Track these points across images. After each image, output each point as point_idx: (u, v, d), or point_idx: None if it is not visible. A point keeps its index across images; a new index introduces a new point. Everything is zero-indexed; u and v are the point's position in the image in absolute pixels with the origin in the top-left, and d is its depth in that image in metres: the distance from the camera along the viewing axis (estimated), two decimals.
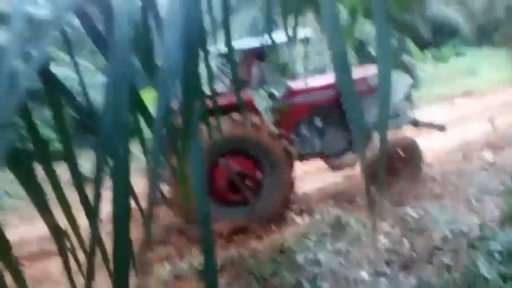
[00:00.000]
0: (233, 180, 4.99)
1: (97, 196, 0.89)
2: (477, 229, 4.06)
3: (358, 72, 5.91)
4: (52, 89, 1.25)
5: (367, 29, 11.70)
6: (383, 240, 4.35)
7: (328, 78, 6.01)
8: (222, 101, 4.76)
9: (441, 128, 5.82)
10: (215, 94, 1.53)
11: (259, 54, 5.66)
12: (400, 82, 6.00)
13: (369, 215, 4.80)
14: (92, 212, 1.00)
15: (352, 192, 5.54)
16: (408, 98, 5.97)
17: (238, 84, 5.13)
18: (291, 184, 5.17)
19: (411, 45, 15.18)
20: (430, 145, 6.15)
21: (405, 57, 13.05)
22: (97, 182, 0.89)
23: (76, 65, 1.39)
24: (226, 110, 4.55)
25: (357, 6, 3.88)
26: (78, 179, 1.27)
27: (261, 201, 5.08)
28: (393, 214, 4.83)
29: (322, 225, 4.54)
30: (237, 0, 11.79)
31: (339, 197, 5.45)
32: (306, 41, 5.49)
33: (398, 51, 5.74)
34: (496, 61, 12.09)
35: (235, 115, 4.78)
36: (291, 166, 5.16)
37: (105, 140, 0.83)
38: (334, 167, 6.55)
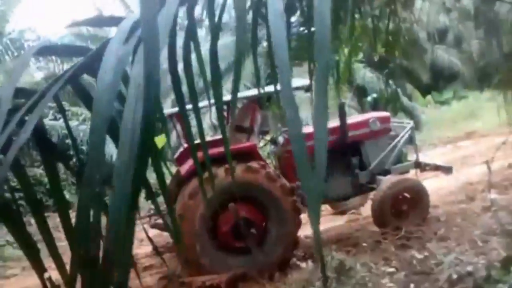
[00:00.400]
0: (239, 227, 4.89)
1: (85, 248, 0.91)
2: (484, 270, 3.99)
3: (359, 117, 6.04)
4: (45, 149, 1.32)
5: (367, 76, 12.03)
6: (388, 284, 4.28)
7: (331, 123, 6.12)
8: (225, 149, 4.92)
9: (448, 170, 5.79)
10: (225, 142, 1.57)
11: (260, 102, 5.79)
12: (403, 126, 6.10)
13: (373, 259, 4.78)
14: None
15: (355, 235, 5.49)
16: (412, 141, 6.01)
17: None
18: (295, 238, 5.08)
19: (413, 90, 15.50)
20: (433, 186, 6.16)
21: (408, 102, 13.31)
22: (82, 233, 0.90)
23: (69, 129, 1.49)
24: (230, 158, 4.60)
25: (354, 54, 4.06)
26: (70, 231, 1.28)
27: (265, 251, 4.95)
28: (398, 257, 4.77)
29: (326, 270, 4.48)
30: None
31: (343, 241, 5.40)
32: (308, 89, 5.61)
33: (396, 95, 5.82)
34: (496, 103, 12.25)
35: (253, 163, 4.81)
36: (298, 221, 5.04)
37: (84, 185, 0.87)
38: (339, 211, 6.55)
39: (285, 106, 0.71)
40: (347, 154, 5.73)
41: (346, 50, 3.38)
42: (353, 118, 6.02)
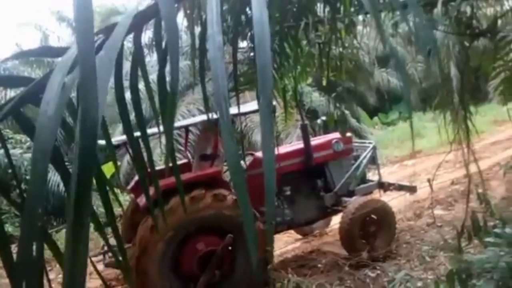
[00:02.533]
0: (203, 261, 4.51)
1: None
2: (432, 285, 4.14)
3: (321, 138, 6.01)
4: None
5: (317, 99, 12.39)
6: None
7: (295, 145, 6.08)
8: (187, 176, 4.76)
9: (412, 189, 5.70)
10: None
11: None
12: (364, 146, 6.08)
13: (329, 279, 4.83)
14: None
15: (311, 257, 5.54)
16: (374, 161, 5.97)
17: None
18: (265, 262, 4.67)
19: (360, 112, 16.10)
20: None
21: (356, 123, 13.78)
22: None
23: (9, 159, 1.44)
24: (192, 185, 4.39)
25: (302, 79, 4.19)
26: (11, 267, 1.22)
27: (234, 281, 4.64)
28: (352, 276, 4.86)
29: None
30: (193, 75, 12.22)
31: (299, 262, 5.42)
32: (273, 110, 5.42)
33: (344, 117, 5.94)
34: (438, 123, 12.96)
35: (219, 191, 4.47)
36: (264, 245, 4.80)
37: (26, 217, 0.84)
38: (304, 234, 6.48)
39: (224, 134, 0.73)
40: (311, 177, 5.62)
41: (294, 75, 3.48)
42: (315, 139, 5.86)
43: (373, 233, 5.21)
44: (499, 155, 8.98)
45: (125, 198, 9.74)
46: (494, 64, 3.40)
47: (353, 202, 5.28)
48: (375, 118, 17.30)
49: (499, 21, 2.99)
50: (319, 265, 5.24)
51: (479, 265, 2.36)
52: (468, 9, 2.77)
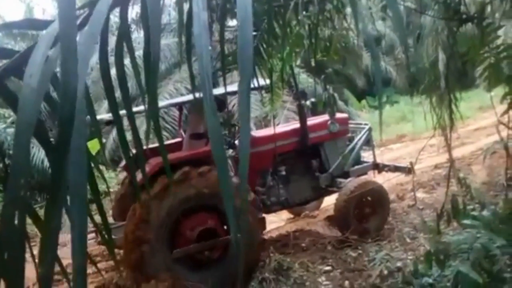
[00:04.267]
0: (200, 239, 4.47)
1: None
2: (411, 265, 4.25)
3: (317, 119, 5.92)
4: None
5: (302, 79, 12.37)
6: (325, 282, 4.44)
7: (291, 125, 6.06)
8: (180, 155, 4.74)
9: (407, 170, 5.69)
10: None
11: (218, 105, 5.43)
12: (360, 127, 6.10)
13: (311, 259, 4.92)
14: None
15: (295, 236, 5.62)
16: (369, 143, 6.01)
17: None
18: (261, 227, 4.76)
19: (349, 94, 16.13)
20: None
21: (344, 106, 13.83)
22: None
23: None
24: (185, 163, 4.39)
25: (290, 60, 4.17)
26: None
27: (231, 257, 4.51)
28: (334, 256, 4.96)
29: (264, 271, 4.54)
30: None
31: (283, 241, 5.50)
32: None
33: (333, 100, 5.92)
34: (425, 108, 13.07)
35: (204, 168, 4.40)
36: (260, 217, 4.71)
37: (9, 189, 0.84)
38: (298, 214, 6.54)
39: (207, 111, 0.74)
40: (307, 157, 5.63)
41: (282, 56, 3.47)
42: (311, 119, 5.82)
43: (367, 214, 5.28)
44: (482, 140, 9.13)
45: (110, 176, 9.72)
46: (481, 51, 3.44)
47: (352, 182, 5.32)
48: (363, 101, 17.36)
49: (487, 8, 3.01)
50: (303, 244, 5.33)
51: (456, 246, 2.43)
52: None
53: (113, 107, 1.32)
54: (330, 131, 5.61)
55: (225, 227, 4.58)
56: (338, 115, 6.22)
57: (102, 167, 9.89)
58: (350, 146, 5.74)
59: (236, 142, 5.45)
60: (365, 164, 5.91)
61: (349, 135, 5.92)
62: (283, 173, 5.42)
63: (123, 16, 1.24)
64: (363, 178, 5.65)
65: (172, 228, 4.45)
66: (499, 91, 3.13)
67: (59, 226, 0.82)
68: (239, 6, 0.67)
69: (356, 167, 5.77)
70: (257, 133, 5.83)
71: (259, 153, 5.16)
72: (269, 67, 3.37)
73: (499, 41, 3.18)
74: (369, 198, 5.28)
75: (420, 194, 6.58)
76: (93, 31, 0.80)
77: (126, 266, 4.41)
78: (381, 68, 16.53)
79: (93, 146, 4.87)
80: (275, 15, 2.86)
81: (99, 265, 5.31)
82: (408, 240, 5.11)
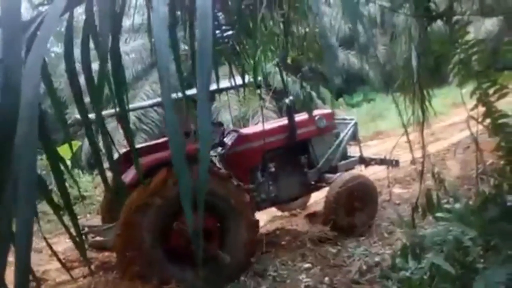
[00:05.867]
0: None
1: None
2: (389, 260, 4.31)
3: (305, 115, 5.85)
4: None
5: (279, 78, 12.38)
6: (305, 279, 4.46)
7: (279, 122, 6.03)
8: (165, 154, 4.64)
9: (394, 163, 5.74)
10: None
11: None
12: (345, 122, 6.12)
13: (291, 256, 4.94)
14: None
15: (275, 235, 5.63)
16: (355, 137, 6.08)
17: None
18: (256, 227, 4.73)
19: (325, 92, 16.25)
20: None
21: (322, 104, 13.93)
22: None
23: None
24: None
25: (266, 59, 4.16)
26: None
27: (227, 252, 4.49)
28: (314, 252, 4.99)
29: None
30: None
31: (262, 240, 5.50)
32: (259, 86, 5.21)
33: (310, 98, 5.97)
34: (400, 105, 13.29)
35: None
36: (255, 220, 4.72)
37: None
38: (285, 210, 6.55)
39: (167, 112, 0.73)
40: (295, 153, 5.65)
41: (257, 54, 3.46)
42: (299, 116, 5.81)
43: (356, 209, 5.32)
44: (456, 136, 9.34)
45: (87, 179, 9.55)
46: (451, 47, 3.50)
47: (341, 176, 5.38)
48: (340, 100, 17.53)
49: (455, 5, 3.07)
50: (282, 243, 5.34)
51: (430, 239, 2.48)
52: None
53: (82, 111, 1.30)
54: (318, 126, 5.65)
55: (218, 224, 4.57)
56: (324, 111, 6.29)
57: (78, 171, 9.71)
58: (337, 141, 5.79)
59: (225, 140, 5.45)
60: (352, 159, 5.98)
61: (336, 130, 5.97)
62: (272, 169, 5.43)
63: (89, 12, 1.22)
64: (353, 172, 5.73)
65: (165, 228, 4.35)
66: (471, 87, 3.19)
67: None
68: (199, 9, 0.66)
69: (344, 162, 5.84)
70: (246, 130, 5.84)
71: (250, 150, 5.23)
72: (242, 66, 3.36)
73: (469, 37, 3.25)
74: (359, 192, 5.32)
75: (396, 190, 6.69)
76: (48, 27, 0.78)
77: (118, 268, 4.36)
78: (357, 66, 16.74)
79: (63, 150, 4.77)
80: (250, 13, 2.85)
81: (76, 270, 5.21)
82: (386, 235, 5.19)
